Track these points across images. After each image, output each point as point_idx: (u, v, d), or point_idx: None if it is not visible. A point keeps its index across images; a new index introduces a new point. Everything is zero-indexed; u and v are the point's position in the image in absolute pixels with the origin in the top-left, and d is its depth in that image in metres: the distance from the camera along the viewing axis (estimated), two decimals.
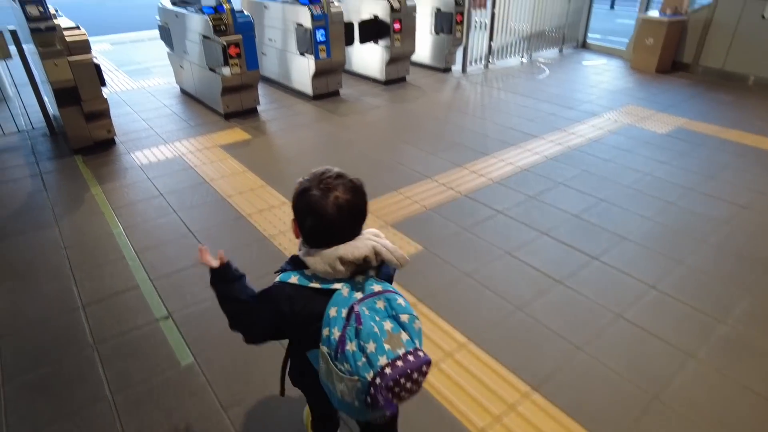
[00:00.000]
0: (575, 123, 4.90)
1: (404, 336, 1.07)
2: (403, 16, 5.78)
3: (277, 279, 1.18)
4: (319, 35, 5.13)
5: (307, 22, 5.07)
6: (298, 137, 4.64)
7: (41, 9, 3.51)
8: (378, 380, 1.01)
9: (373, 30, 5.86)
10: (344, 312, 1.06)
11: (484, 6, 6.67)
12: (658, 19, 6.53)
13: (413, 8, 5.88)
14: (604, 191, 3.59)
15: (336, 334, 1.05)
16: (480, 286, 2.56)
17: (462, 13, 6.34)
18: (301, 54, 5.39)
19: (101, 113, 4.21)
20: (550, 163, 4.05)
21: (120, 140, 4.54)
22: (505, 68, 7.07)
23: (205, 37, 4.65)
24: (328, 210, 1.08)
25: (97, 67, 3.92)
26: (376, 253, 1.11)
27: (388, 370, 1.02)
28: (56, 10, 4.54)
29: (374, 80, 6.30)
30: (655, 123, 4.92)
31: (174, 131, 4.75)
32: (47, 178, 3.86)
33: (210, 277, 1.28)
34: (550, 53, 7.91)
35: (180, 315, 2.39)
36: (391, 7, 5.63)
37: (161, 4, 5.58)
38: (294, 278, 1.14)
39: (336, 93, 5.77)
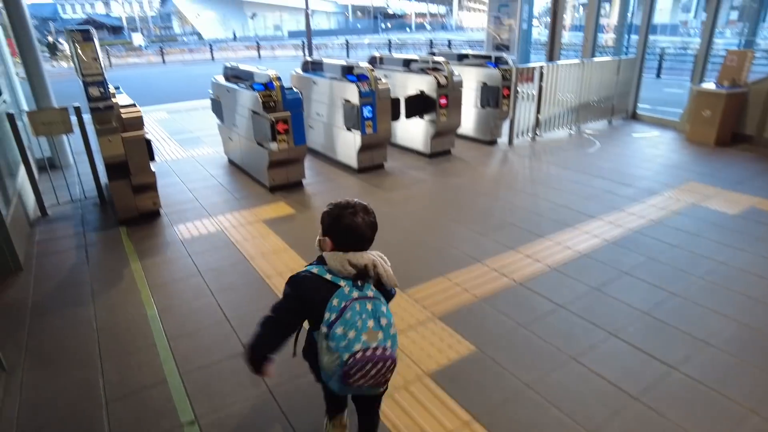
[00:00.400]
0: (634, 202, 4.59)
1: (380, 335, 1.44)
2: (450, 91, 5.77)
3: (305, 269, 1.55)
4: (366, 111, 5.15)
5: (355, 99, 5.11)
6: None
7: (101, 90, 3.64)
8: (350, 360, 1.40)
9: (419, 105, 5.87)
10: (343, 303, 1.43)
11: (531, 79, 6.62)
12: (715, 92, 6.28)
13: (459, 83, 5.88)
14: (675, 283, 3.22)
15: (332, 316, 1.43)
16: (545, 403, 2.23)
17: (509, 87, 6.31)
18: (348, 129, 5.41)
19: (148, 186, 4.26)
20: (610, 247, 3.73)
21: (165, 211, 4.56)
22: (552, 140, 6.91)
23: (254, 112, 4.73)
24: (360, 226, 1.50)
25: (148, 143, 4.00)
26: (375, 266, 1.50)
27: (359, 355, 1.40)
28: (117, 88, 4.76)
29: (419, 153, 6.25)
30: (723, 202, 4.55)
31: (219, 203, 4.75)
32: (91, 251, 3.85)
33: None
34: (599, 125, 7.72)
35: (207, 421, 2.16)
36: (438, 83, 5.65)
37: (215, 78, 5.81)
38: (315, 269, 1.52)
39: (381, 166, 5.71)
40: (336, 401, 1.92)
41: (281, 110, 4.59)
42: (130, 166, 3.92)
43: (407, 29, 76.97)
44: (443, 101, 5.77)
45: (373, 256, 1.53)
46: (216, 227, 4.21)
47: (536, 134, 6.99)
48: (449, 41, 21.48)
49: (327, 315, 1.43)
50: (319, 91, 5.79)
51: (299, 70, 6.37)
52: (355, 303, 1.43)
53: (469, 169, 5.73)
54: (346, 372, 1.41)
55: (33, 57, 5.70)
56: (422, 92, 5.85)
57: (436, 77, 5.67)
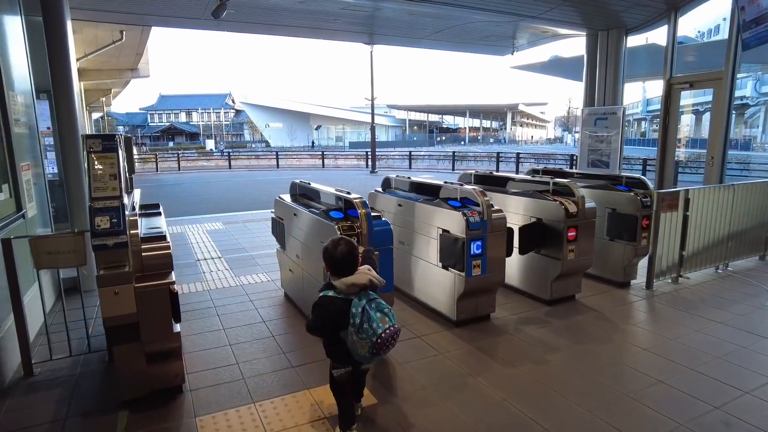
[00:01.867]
0: None
1: (387, 319, 2.23)
2: (581, 221, 4.35)
3: (321, 293, 2.37)
4: (475, 247, 3.77)
5: (458, 230, 3.77)
6: (442, 414, 2.93)
7: (114, 220, 2.47)
8: (378, 340, 2.17)
9: (537, 237, 4.46)
10: (360, 309, 2.21)
11: (675, 208, 5.12)
12: None
13: (593, 212, 4.47)
14: None
15: (357, 320, 2.20)
16: None
17: (649, 217, 4.83)
18: (444, 267, 4.02)
19: (169, 353, 2.91)
20: None
21: (191, 384, 3.15)
22: (701, 283, 5.19)
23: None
24: (345, 255, 2.34)
25: (174, 297, 2.70)
26: (370, 281, 2.31)
27: (383, 334, 2.17)
28: (155, 207, 3.69)
29: (532, 297, 4.70)
30: None
31: (267, 377, 3.30)
32: None
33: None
34: (749, 262, 5.97)
35: None
36: (566, 212, 4.26)
37: (280, 198, 4.71)
38: (331, 293, 2.32)
39: (486, 317, 4.19)
40: (349, 414, 2.58)
41: (366, 244, 3.29)
42: (141, 331, 2.61)
43: (462, 142, 79.23)
44: (572, 234, 4.33)
45: (366, 274, 2.34)
46: (258, 427, 2.72)
47: (680, 274, 5.32)
48: (518, 154, 20.70)
49: (352, 320, 2.21)
50: (404, 214, 4.53)
51: (380, 189, 5.22)
52: (367, 306, 2.23)
53: (611, 327, 4.08)
54: (377, 347, 2.18)
55: (75, 163, 4.87)
56: (540, 221, 4.47)
57: (562, 203, 4.29)
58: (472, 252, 3.76)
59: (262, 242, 7.26)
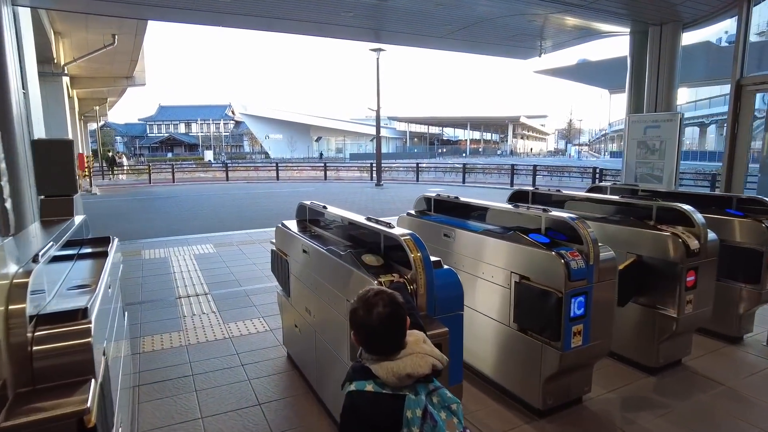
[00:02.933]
0: None
1: (455, 420, 1.36)
2: (702, 261, 3.12)
3: (352, 387, 1.38)
4: (576, 306, 2.53)
5: (551, 280, 2.54)
6: None
7: None
8: None
9: (637, 283, 3.23)
10: (419, 412, 1.31)
11: None
12: None
13: (716, 247, 3.24)
14: None
15: (416, 429, 1.30)
16: None
17: None
18: (523, 330, 2.78)
19: None
20: None
21: None
22: None
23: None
24: (376, 327, 1.38)
25: None
26: (432, 366, 1.39)
27: None
28: (106, 242, 2.50)
29: (630, 362, 3.44)
30: None
31: None
32: None
33: None
34: None
35: None
36: (687, 249, 3.02)
37: (284, 225, 3.47)
38: (369, 386, 1.36)
39: (578, 400, 2.93)
40: None
41: (424, 309, 2.05)
42: None
43: (463, 155, 78.44)
44: (691, 278, 3.10)
45: (425, 352, 1.41)
46: None
47: None
48: (534, 167, 19.50)
49: (407, 429, 1.31)
50: (456, 249, 3.29)
51: (413, 213, 3.99)
52: (429, 407, 1.34)
53: (756, 413, 2.83)
54: None
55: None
56: (639, 258, 3.24)
57: (682, 237, 3.06)
58: (572, 313, 2.52)
59: (258, 272, 6.01)
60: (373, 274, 2.12)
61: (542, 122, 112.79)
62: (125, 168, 24.69)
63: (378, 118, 20.86)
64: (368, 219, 2.57)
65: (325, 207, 3.15)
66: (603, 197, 4.01)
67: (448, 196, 3.79)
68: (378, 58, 19.31)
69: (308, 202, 3.47)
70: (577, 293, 2.52)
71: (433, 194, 3.96)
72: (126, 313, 3.12)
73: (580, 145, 79.05)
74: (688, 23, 7.41)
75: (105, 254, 2.49)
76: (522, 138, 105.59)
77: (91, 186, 19.28)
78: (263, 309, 4.66)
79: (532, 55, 10.63)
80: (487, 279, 2.99)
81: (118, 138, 79.53)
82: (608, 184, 5.96)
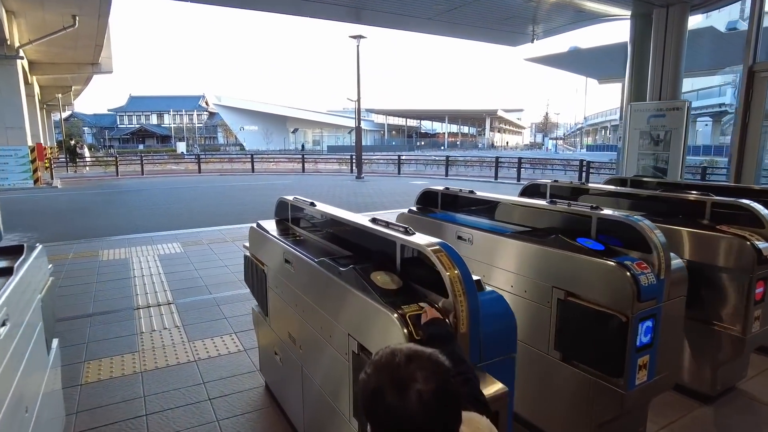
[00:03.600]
0: None
1: None
2: None
3: None
4: (643, 332, 1.95)
5: (611, 299, 1.96)
6: None
7: None
8: None
9: (691, 294, 2.67)
10: None
11: None
12: None
13: None
14: None
15: None
16: None
17: None
18: (566, 360, 2.19)
19: None
20: None
21: None
22: None
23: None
24: (414, 414, 0.80)
25: None
26: None
27: None
28: (19, 251, 1.79)
29: (681, 389, 2.89)
30: None
31: None
32: None
33: None
34: None
35: None
36: (758, 255, 2.47)
37: (260, 225, 2.80)
38: None
39: None
40: None
41: (466, 352, 1.42)
42: None
43: (441, 147, 78.26)
44: (760, 290, 2.56)
45: None
46: None
47: None
48: (519, 159, 19.02)
49: None
50: (475, 256, 2.67)
51: (416, 209, 3.36)
52: None
53: None
54: None
55: None
56: (692, 264, 2.68)
57: (746, 239, 2.52)
58: (638, 342, 1.94)
59: (231, 276, 5.30)
60: (389, 303, 1.49)
61: (518, 116, 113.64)
62: (87, 159, 23.13)
63: (359, 109, 20.12)
64: (374, 221, 1.93)
65: (312, 204, 2.48)
66: (647, 192, 3.43)
67: (461, 190, 3.17)
68: (358, 46, 18.55)
69: (290, 198, 2.80)
70: (645, 316, 1.94)
71: (440, 187, 3.33)
72: (55, 342, 2.42)
73: (556, 138, 79.70)
74: (697, 5, 6.95)
75: (9, 272, 1.79)
76: (499, 131, 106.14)
77: (52, 179, 18.05)
78: (236, 322, 3.98)
79: (523, 41, 10.08)
80: (518, 294, 2.39)
81: (87, 129, 76.57)
82: (629, 176, 5.44)
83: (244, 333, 3.75)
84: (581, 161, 15.74)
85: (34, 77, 24.51)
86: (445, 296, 1.47)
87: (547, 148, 71.50)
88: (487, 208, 2.98)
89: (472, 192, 3.05)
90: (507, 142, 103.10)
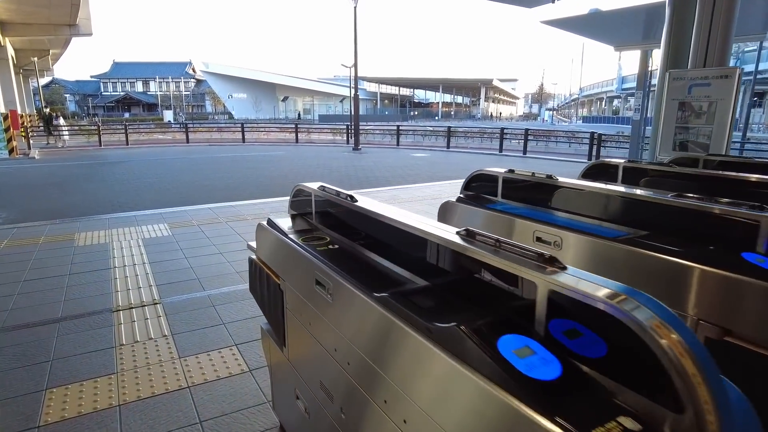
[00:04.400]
0: None
1: None
2: None
3: None
4: None
5: None
6: None
7: None
8: None
9: None
10: None
11: None
12: None
13: None
14: None
15: None
16: None
17: None
18: None
19: None
20: None
21: None
22: None
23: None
24: None
25: None
26: None
27: None
28: None
29: None
30: None
31: None
32: None
33: None
34: None
35: None
36: None
37: (272, 223, 2.07)
38: None
39: None
40: None
41: None
42: None
43: (435, 117, 77.00)
44: None
45: None
46: None
47: None
48: (526, 131, 18.15)
49: None
50: None
51: (465, 197, 2.65)
52: None
53: None
54: None
55: None
56: None
57: None
58: None
59: (227, 266, 4.60)
60: (552, 412, 0.79)
61: (513, 86, 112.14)
62: (63, 127, 21.72)
63: (356, 75, 19.06)
64: (468, 234, 1.22)
65: (352, 199, 1.75)
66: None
67: (533, 174, 2.45)
68: (356, 7, 17.39)
69: (314, 186, 2.07)
70: None
71: (501, 170, 2.60)
72: None
73: (552, 109, 78.67)
74: None
75: None
76: (494, 101, 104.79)
77: (29, 149, 16.97)
78: (236, 330, 3.29)
79: (543, 2, 9.19)
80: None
81: (69, 96, 74.00)
82: (701, 154, 4.75)
83: (248, 345, 3.07)
84: (592, 134, 14.98)
85: (7, 39, 22.99)
86: (658, 401, 0.78)
87: (543, 119, 70.54)
88: (566, 198, 2.27)
89: (551, 177, 2.33)
90: (501, 113, 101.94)
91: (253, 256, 2.29)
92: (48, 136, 20.89)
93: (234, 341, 3.14)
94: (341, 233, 1.88)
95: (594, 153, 14.50)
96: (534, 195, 2.46)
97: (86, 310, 3.59)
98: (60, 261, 4.70)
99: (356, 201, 1.73)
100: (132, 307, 3.65)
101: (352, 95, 20.16)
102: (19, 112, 21.51)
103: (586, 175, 3.25)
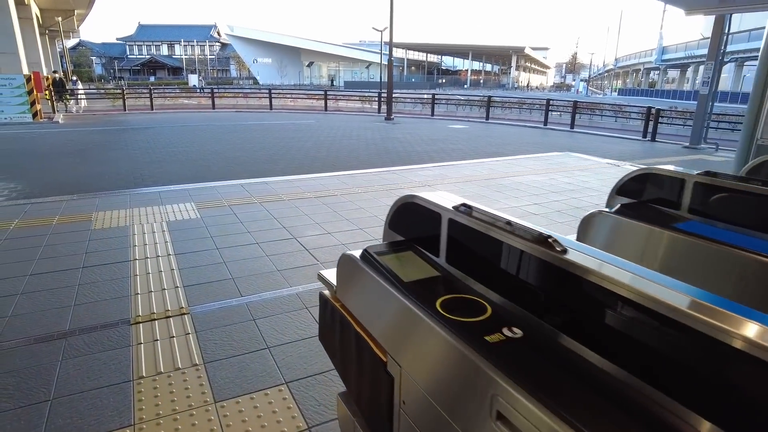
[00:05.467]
0: None
1: None
2: None
3: None
4: None
5: None
6: None
7: None
8: None
9: None
10: None
11: None
12: None
13: None
14: None
15: None
16: None
17: None
18: None
19: None
20: None
21: None
22: None
23: None
24: None
25: None
26: None
27: None
28: None
29: None
30: None
31: None
32: None
33: None
34: None
35: None
36: None
37: (370, 260, 1.28)
38: None
39: None
40: None
41: None
42: None
43: (464, 86, 74.68)
44: None
45: None
46: None
47: None
48: (575, 102, 16.66)
49: None
50: None
51: (624, 207, 1.80)
52: None
53: None
54: None
55: None
56: None
57: None
58: None
59: (265, 261, 3.88)
60: None
61: (544, 54, 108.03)
62: (80, 92, 20.74)
63: (390, 39, 17.85)
64: None
65: (547, 244, 0.95)
66: None
67: (748, 179, 1.59)
68: None
69: (445, 201, 1.27)
70: None
71: (682, 170, 1.75)
72: None
73: (587, 80, 75.34)
74: None
75: None
76: (524, 70, 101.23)
77: (54, 112, 16.50)
78: (285, 358, 2.58)
79: None
80: None
81: (95, 59, 73.84)
82: None
83: (301, 385, 2.36)
84: (649, 108, 13.65)
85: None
86: None
87: (577, 90, 67.59)
88: None
89: None
90: (529, 82, 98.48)
91: (325, 294, 1.54)
92: (58, 102, 17.68)
93: (283, 377, 2.42)
94: (514, 298, 1.08)
95: (650, 129, 13.24)
96: (752, 212, 1.61)
97: (99, 321, 2.92)
98: (74, 249, 4.05)
99: (566, 253, 0.92)
100: (154, 319, 2.97)
101: (385, 61, 19.03)
102: (45, 74, 20.74)
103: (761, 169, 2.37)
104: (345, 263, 1.37)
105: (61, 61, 39.34)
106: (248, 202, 5.64)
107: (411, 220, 1.39)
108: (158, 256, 3.96)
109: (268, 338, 2.77)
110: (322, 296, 1.58)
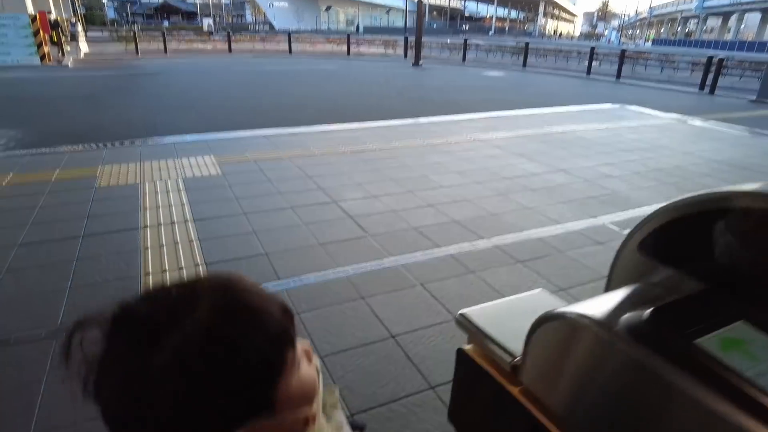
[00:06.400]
0: None
1: None
2: None
3: None
4: None
5: None
6: None
7: None
8: None
9: None
10: None
11: None
12: None
13: None
14: None
15: None
16: None
17: None
18: None
19: None
20: None
21: None
22: None
23: None
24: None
25: None
26: None
27: None
28: None
29: None
30: None
31: None
32: None
33: None
34: None
35: None
36: None
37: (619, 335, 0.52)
38: None
39: None
40: None
41: None
42: None
43: (489, 33, 71.21)
44: None
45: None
46: None
47: None
48: (623, 52, 15.04)
49: None
50: None
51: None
52: None
53: None
54: None
55: None
56: None
57: None
58: None
59: (302, 230, 3.18)
60: None
61: (573, 1, 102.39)
62: (77, 35, 18.99)
63: None
64: None
65: None
66: None
67: None
68: None
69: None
70: None
71: None
72: None
73: (620, 28, 71.11)
74: None
75: None
76: (552, 17, 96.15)
77: (63, 56, 15.63)
78: (344, 372, 1.90)
79: None
80: None
81: (107, 2, 71.62)
82: None
83: (375, 394, 1.68)
84: (709, 59, 12.24)
85: None
86: None
87: (609, 39, 63.87)
88: None
89: None
90: (555, 30, 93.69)
91: (472, 351, 0.79)
92: (59, 48, 15.39)
93: (347, 404, 1.75)
94: None
95: (708, 81, 11.93)
96: None
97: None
98: (73, 213, 3.39)
99: None
100: None
101: (407, 6, 17.56)
102: (54, 16, 19.42)
103: None
104: (564, 335, 0.63)
105: (72, 4, 37.91)
106: (275, 157, 4.90)
107: (716, 238, 0.64)
108: (174, 222, 3.27)
109: (319, 342, 2.09)
110: (460, 355, 0.85)
